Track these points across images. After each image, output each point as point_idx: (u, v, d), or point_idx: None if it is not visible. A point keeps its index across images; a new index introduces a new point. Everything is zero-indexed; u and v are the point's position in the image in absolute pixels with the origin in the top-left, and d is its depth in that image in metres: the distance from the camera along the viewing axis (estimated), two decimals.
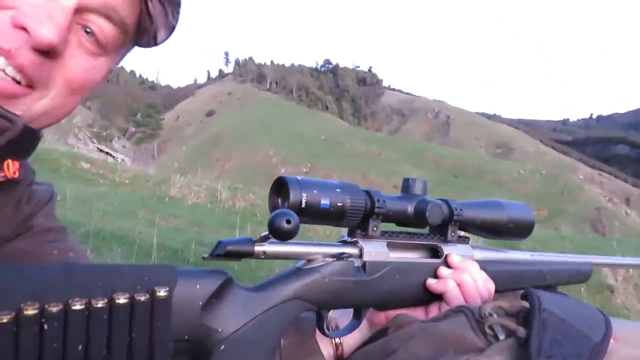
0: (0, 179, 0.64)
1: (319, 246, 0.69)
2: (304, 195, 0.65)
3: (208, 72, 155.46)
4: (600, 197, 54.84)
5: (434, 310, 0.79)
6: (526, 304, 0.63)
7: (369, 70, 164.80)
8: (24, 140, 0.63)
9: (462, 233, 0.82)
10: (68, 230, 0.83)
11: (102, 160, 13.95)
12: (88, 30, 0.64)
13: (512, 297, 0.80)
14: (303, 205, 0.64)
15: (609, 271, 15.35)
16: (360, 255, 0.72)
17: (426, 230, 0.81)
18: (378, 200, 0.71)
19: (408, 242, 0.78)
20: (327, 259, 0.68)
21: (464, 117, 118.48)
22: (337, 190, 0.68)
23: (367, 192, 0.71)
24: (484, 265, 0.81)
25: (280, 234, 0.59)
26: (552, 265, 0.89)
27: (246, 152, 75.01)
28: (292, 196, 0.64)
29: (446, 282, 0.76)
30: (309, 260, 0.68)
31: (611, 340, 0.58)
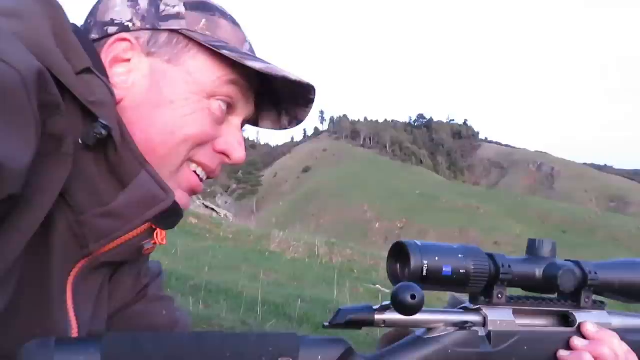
0: (151, 246, 0.71)
1: (440, 314, 0.65)
2: (425, 262, 0.62)
3: (304, 130, 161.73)
4: None
5: None
6: None
7: (464, 123, 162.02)
8: (172, 213, 0.70)
9: (596, 297, 0.75)
10: (175, 299, 0.92)
11: (208, 216, 14.81)
12: None
13: None
14: (424, 273, 0.62)
15: None
16: (484, 324, 0.67)
17: (555, 294, 0.74)
18: (503, 265, 0.67)
19: (536, 308, 0.72)
20: (448, 328, 0.65)
21: (570, 169, 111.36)
22: (460, 255, 0.64)
23: (491, 256, 0.67)
24: (623, 334, 0.73)
25: (404, 309, 0.57)
26: None
27: (341, 207, 75.75)
28: (413, 263, 0.62)
29: (581, 355, 0.69)
30: (430, 329, 0.65)
31: None
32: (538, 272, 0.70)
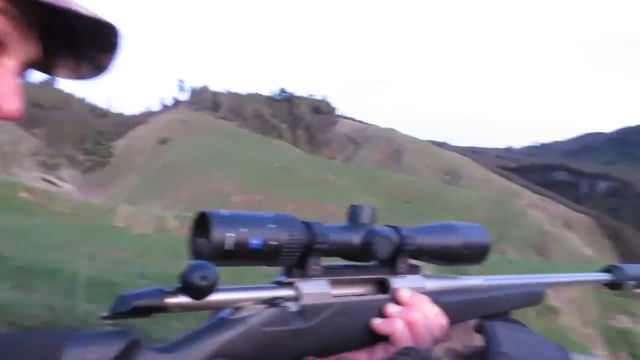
0: None
1: (247, 291, 0.60)
2: (229, 235, 0.56)
3: (162, 100, 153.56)
4: (543, 222, 57.18)
5: (379, 352, 0.70)
6: (479, 341, 0.57)
7: (323, 99, 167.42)
8: None
9: (413, 261, 0.74)
10: None
11: (42, 190, 13.38)
12: None
13: (464, 329, 0.72)
14: (228, 246, 0.56)
15: (554, 294, 15.96)
16: (298, 299, 0.62)
17: (373, 260, 0.71)
18: (319, 234, 0.62)
19: (353, 277, 0.69)
20: (257, 307, 0.59)
21: (415, 145, 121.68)
22: (271, 225, 0.59)
23: (307, 225, 0.62)
24: (436, 297, 0.73)
25: (194, 292, 0.52)
26: (507, 290, 0.81)
27: (200, 180, 73.81)
28: (214, 236, 0.55)
29: (393, 323, 0.67)
30: (236, 309, 0.58)
31: None
32: (356, 239, 0.67)
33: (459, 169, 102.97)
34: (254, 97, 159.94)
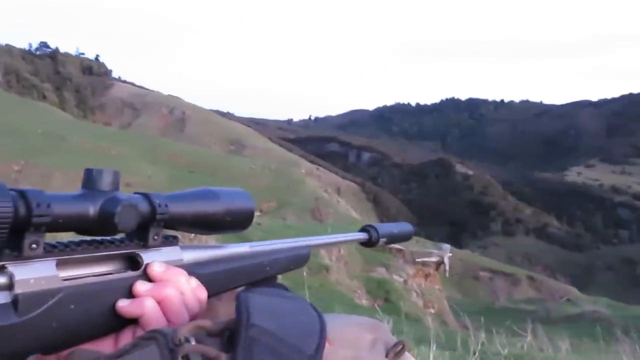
0: None
1: None
2: None
3: None
4: (318, 189, 62.63)
5: (126, 337, 0.60)
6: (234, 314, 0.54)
7: (96, 58, 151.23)
8: None
9: (170, 232, 0.66)
10: None
11: None
12: None
13: (229, 298, 0.69)
14: None
15: (325, 253, 17.52)
16: (11, 287, 0.50)
17: (118, 234, 0.61)
18: (39, 205, 0.50)
19: (91, 255, 0.57)
20: None
21: (199, 114, 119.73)
22: None
23: (20, 194, 0.50)
24: (195, 269, 0.67)
25: None
26: (272, 255, 0.79)
27: None
28: None
29: (142, 302, 0.59)
30: None
31: (326, 344, 0.53)
32: (92, 209, 0.56)
33: (242, 139, 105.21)
34: (6, 50, 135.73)
